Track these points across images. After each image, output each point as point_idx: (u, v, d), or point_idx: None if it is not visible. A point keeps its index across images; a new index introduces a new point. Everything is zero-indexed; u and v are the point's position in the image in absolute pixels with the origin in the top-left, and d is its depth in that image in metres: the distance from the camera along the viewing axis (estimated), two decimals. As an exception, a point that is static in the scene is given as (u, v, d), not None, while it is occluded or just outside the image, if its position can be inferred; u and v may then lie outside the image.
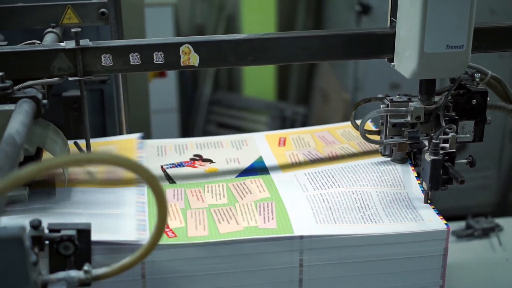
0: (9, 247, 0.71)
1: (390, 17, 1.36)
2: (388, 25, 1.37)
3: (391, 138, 1.37)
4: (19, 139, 0.96)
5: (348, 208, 1.24)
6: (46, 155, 1.28)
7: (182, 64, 1.31)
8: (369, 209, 1.24)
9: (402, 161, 1.38)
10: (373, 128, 1.50)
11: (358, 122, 1.41)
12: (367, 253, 1.19)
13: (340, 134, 1.57)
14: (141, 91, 2.20)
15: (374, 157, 1.42)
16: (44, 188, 1.29)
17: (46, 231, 0.97)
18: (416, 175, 1.33)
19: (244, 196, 1.29)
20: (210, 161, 1.46)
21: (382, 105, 1.38)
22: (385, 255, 1.20)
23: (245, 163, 1.45)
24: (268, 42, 1.33)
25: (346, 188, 1.29)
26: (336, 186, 1.31)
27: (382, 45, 1.36)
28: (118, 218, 1.19)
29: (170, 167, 1.43)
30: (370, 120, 1.44)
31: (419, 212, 1.24)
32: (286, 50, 1.34)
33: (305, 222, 1.20)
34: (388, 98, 1.38)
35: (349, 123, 1.54)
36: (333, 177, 1.34)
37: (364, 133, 1.37)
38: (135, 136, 1.57)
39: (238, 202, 1.27)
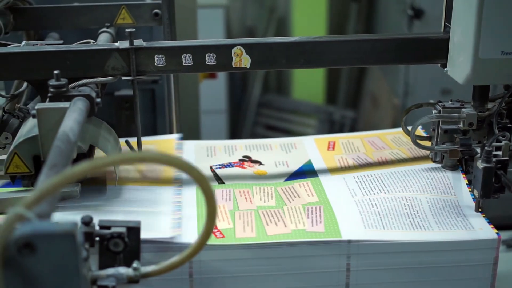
0: (61, 242, 0.72)
1: (444, 22, 1.34)
2: (442, 30, 1.36)
3: (443, 144, 1.36)
4: (73, 136, 0.98)
5: (397, 214, 1.23)
6: (98, 153, 1.30)
7: (233, 66, 1.32)
8: (419, 215, 1.23)
9: (453, 168, 1.36)
10: (424, 134, 1.48)
11: (409, 127, 1.40)
12: (415, 260, 1.18)
13: (390, 140, 1.56)
14: (191, 92, 2.22)
15: (424, 163, 1.40)
16: (95, 186, 1.31)
17: (97, 227, 0.99)
18: (467, 183, 1.32)
19: (293, 200, 1.29)
20: (259, 162, 1.47)
21: (434, 111, 1.36)
22: (434, 263, 1.19)
23: (294, 166, 1.44)
24: (320, 45, 1.33)
25: (396, 194, 1.28)
26: (385, 191, 1.30)
27: (435, 50, 1.34)
28: (155, 215, 1.21)
29: (219, 168, 1.44)
30: (420, 126, 1.42)
31: (469, 220, 1.22)
32: (338, 53, 1.34)
33: (353, 227, 1.19)
34: (440, 103, 1.36)
35: (399, 129, 1.52)
36: (382, 182, 1.33)
37: (415, 139, 1.35)
38: (175, 136, 1.58)
39: (286, 205, 1.27)
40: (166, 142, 1.56)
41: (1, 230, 0.69)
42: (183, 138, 1.58)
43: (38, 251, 0.71)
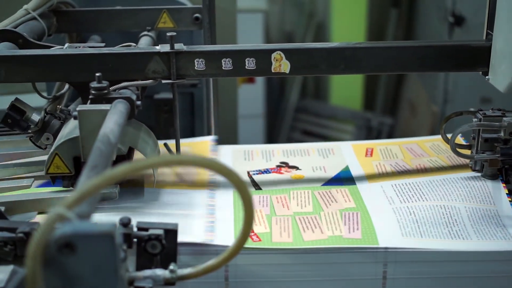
0: (100, 243, 0.73)
1: (487, 29, 1.33)
2: (484, 37, 1.34)
3: (483, 153, 1.34)
4: (113, 138, 0.99)
5: (435, 223, 1.22)
6: (137, 155, 1.31)
7: (273, 71, 1.32)
8: (457, 224, 1.21)
9: (493, 177, 1.35)
10: (463, 142, 1.47)
11: (449, 135, 1.38)
12: (453, 269, 1.17)
13: (429, 147, 1.55)
14: (230, 96, 2.23)
15: (463, 171, 1.39)
16: (133, 187, 1.32)
17: (135, 229, 0.99)
18: (507, 192, 1.30)
19: (330, 205, 1.28)
20: (296, 168, 1.47)
21: (474, 119, 1.35)
22: (471, 272, 1.17)
23: (331, 172, 1.44)
24: (360, 51, 1.33)
25: (434, 202, 1.27)
26: (423, 199, 1.29)
27: (477, 57, 1.33)
28: (190, 218, 1.22)
29: (257, 174, 1.44)
30: (460, 134, 1.41)
31: (508, 231, 1.21)
32: (378, 60, 1.33)
33: (390, 234, 1.18)
34: (481, 112, 1.35)
35: (438, 136, 1.51)
36: (420, 190, 1.32)
37: (455, 147, 1.34)
38: (209, 138, 1.59)
39: (323, 210, 1.27)
40: (201, 144, 1.57)
41: (42, 230, 0.70)
42: (218, 140, 1.58)
43: (78, 251, 0.72)
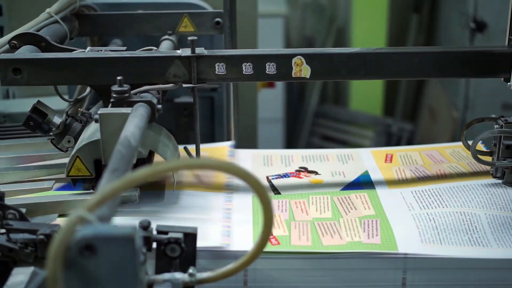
0: (121, 245, 0.73)
1: (509, 35, 1.32)
2: (506, 43, 1.34)
3: (504, 160, 1.33)
4: (134, 141, 0.99)
5: (455, 229, 1.21)
6: (157, 158, 1.32)
7: (293, 76, 1.32)
8: (477, 231, 1.21)
9: (514, 184, 1.34)
10: (484, 149, 1.46)
11: (469, 142, 1.38)
12: (472, 277, 1.16)
13: (449, 154, 1.54)
14: (250, 101, 2.23)
15: (484, 178, 1.38)
16: (153, 191, 1.33)
17: (155, 232, 1.00)
18: (529, 200, 1.29)
19: (349, 212, 1.28)
20: (315, 172, 1.47)
21: (495, 126, 1.34)
22: (492, 280, 1.16)
23: (351, 177, 1.44)
24: (381, 56, 1.32)
25: (454, 209, 1.27)
26: (443, 206, 1.28)
27: (499, 64, 1.32)
28: (207, 223, 1.22)
29: (276, 178, 1.44)
30: (481, 141, 1.40)
31: (530, 238, 1.20)
32: (399, 65, 1.33)
33: (410, 241, 1.18)
34: (502, 118, 1.34)
35: (458, 143, 1.50)
36: (440, 196, 1.31)
37: (476, 154, 1.33)
38: (228, 144, 1.59)
39: (342, 217, 1.26)
40: (219, 150, 1.57)
41: (63, 232, 0.71)
42: (237, 145, 1.58)
43: (98, 253, 0.72)
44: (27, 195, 1.28)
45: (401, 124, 4.01)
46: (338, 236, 1.19)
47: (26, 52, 1.35)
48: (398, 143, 3.88)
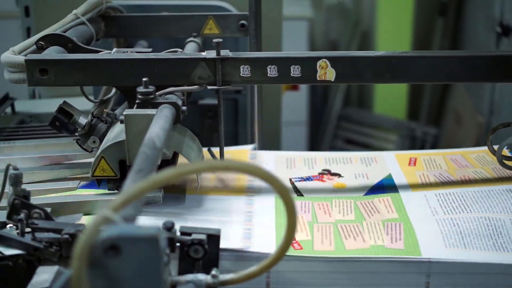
0: (145, 246, 0.74)
1: (536, 40, 1.31)
2: (533, 48, 1.33)
3: (529, 165, 1.32)
4: (159, 143, 1.00)
5: (480, 234, 1.20)
6: (181, 159, 1.32)
7: (318, 79, 1.32)
8: (502, 237, 1.20)
9: (539, 190, 1.33)
10: (509, 154, 1.45)
11: (495, 147, 1.37)
12: (497, 282, 1.15)
13: (473, 158, 1.53)
14: (274, 103, 2.23)
15: (509, 184, 1.37)
16: (175, 193, 1.34)
17: (178, 233, 1.00)
18: (554, 206, 1.28)
19: (372, 215, 1.28)
20: (338, 175, 1.46)
21: (522, 131, 1.33)
22: (516, 286, 1.16)
23: (374, 180, 1.44)
24: (407, 60, 1.32)
25: (478, 214, 1.26)
26: (467, 211, 1.27)
27: (526, 68, 1.31)
28: (228, 225, 1.22)
29: (299, 181, 1.44)
30: (506, 146, 1.39)
31: (555, 244, 1.19)
32: (425, 69, 1.32)
33: (433, 245, 1.17)
34: (528, 124, 1.33)
35: (483, 148, 1.49)
36: (465, 201, 1.31)
37: (501, 159, 1.32)
38: (249, 147, 1.59)
39: (365, 220, 1.26)
40: (241, 153, 1.58)
41: (89, 231, 0.71)
42: (260, 147, 1.59)
43: (123, 254, 0.73)
44: (52, 194, 1.30)
45: (425, 128, 3.99)
46: (361, 239, 1.19)
47: (53, 53, 1.36)
48: (422, 148, 3.86)
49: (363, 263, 1.14)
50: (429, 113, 4.10)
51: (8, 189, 1.07)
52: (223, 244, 1.10)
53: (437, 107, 4.09)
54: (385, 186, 1.40)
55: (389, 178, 1.45)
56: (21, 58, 1.31)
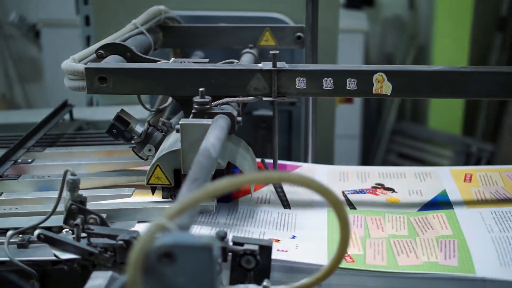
0: (199, 255, 0.74)
1: None
2: None
3: None
4: (214, 152, 1.01)
5: (536, 254, 1.18)
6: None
7: (374, 92, 1.31)
8: (560, 257, 1.17)
9: None
10: None
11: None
12: (554, 304, 1.13)
13: (531, 176, 1.50)
14: (328, 116, 2.22)
15: None
16: (227, 202, 1.35)
17: (230, 243, 1.01)
18: None
19: (426, 231, 1.26)
20: (392, 190, 1.45)
21: None
22: None
23: (428, 196, 1.42)
24: (465, 75, 1.30)
25: (535, 233, 1.23)
26: (524, 229, 1.25)
27: None
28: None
29: (351, 193, 1.43)
30: None
31: None
32: (484, 85, 1.31)
33: (488, 264, 1.15)
34: None
35: (542, 165, 1.46)
36: (521, 220, 1.28)
37: (560, 177, 1.30)
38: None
39: (418, 235, 1.25)
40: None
41: (144, 239, 0.72)
42: (314, 159, 1.58)
43: (177, 261, 0.73)
44: (108, 200, 1.32)
45: (481, 144, 3.92)
46: (414, 255, 1.18)
47: (112, 61, 1.39)
48: (477, 164, 3.80)
49: (415, 279, 1.13)
50: (486, 128, 4.03)
51: (66, 194, 1.09)
52: (275, 255, 1.10)
53: (494, 123, 4.02)
54: (440, 203, 1.39)
55: (444, 194, 1.43)
56: (81, 66, 1.34)
